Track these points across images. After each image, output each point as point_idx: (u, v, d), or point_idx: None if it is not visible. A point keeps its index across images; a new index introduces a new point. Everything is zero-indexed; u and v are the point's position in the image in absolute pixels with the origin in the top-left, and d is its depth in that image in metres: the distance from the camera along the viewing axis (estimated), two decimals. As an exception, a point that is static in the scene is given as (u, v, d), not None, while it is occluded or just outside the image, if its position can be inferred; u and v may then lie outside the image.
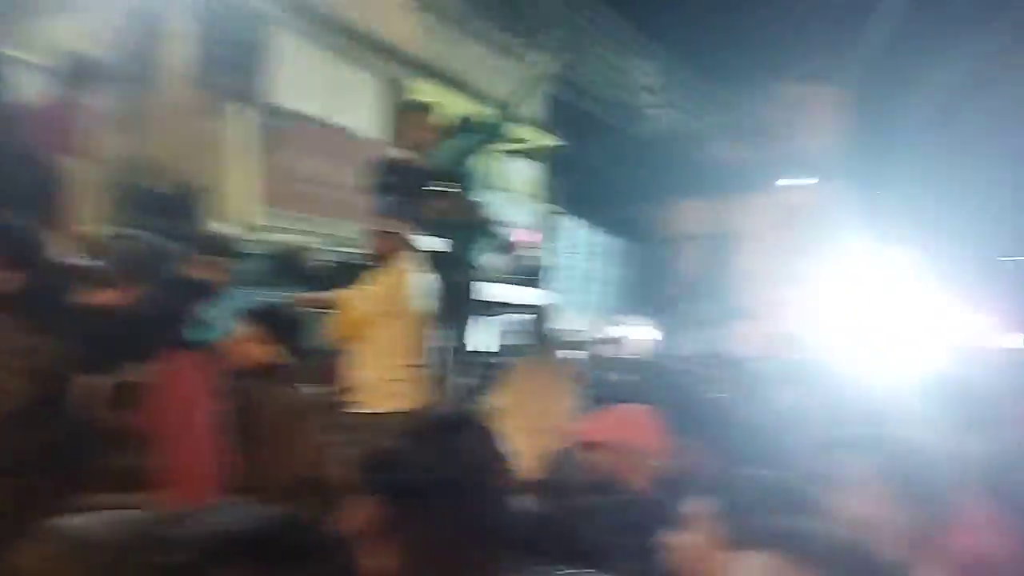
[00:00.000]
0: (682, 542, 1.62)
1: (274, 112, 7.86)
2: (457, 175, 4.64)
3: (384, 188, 4.21)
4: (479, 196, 4.74)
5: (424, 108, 4.62)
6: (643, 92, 14.40)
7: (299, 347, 3.07)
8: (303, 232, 7.87)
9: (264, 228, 7.37)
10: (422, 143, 4.44)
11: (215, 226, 7.02)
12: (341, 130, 9.03)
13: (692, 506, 1.61)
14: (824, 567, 0.98)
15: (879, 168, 24.85)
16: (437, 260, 4.18)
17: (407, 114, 4.54)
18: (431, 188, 4.36)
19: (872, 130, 23.11)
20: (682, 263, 23.76)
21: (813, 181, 22.30)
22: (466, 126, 5.10)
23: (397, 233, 3.74)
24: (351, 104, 9.51)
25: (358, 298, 3.56)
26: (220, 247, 3.65)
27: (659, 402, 2.53)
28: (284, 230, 7.64)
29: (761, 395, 4.05)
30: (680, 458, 2.33)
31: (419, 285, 3.70)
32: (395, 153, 4.55)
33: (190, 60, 7.00)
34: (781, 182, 22.02)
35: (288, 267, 7.48)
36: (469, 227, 4.55)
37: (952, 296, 25.04)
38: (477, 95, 11.51)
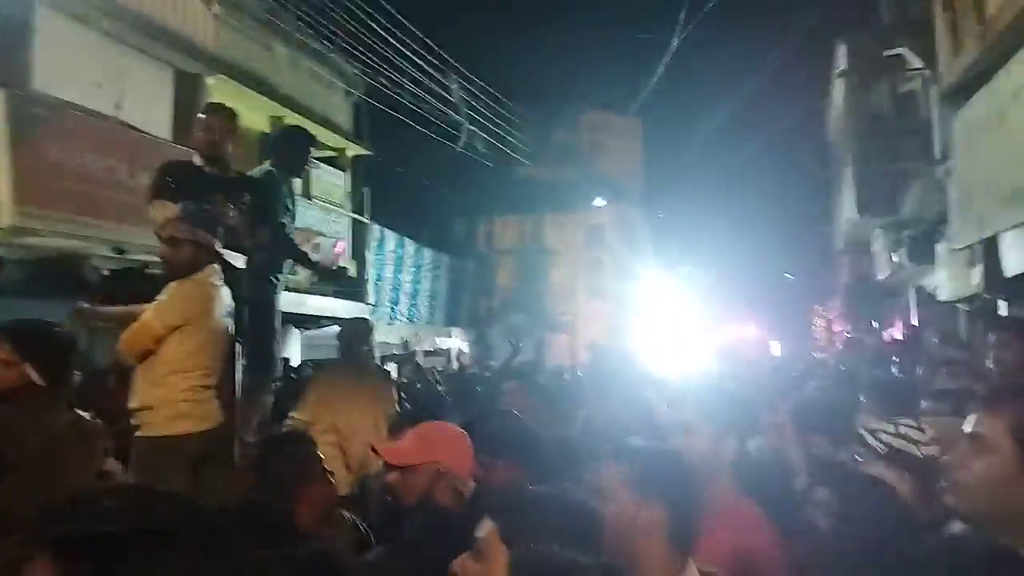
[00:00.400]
0: (464, 568, 1.56)
1: (37, 99, 6.91)
2: (265, 185, 4.35)
3: (184, 193, 3.80)
4: (289, 206, 4.45)
5: (229, 112, 4.20)
6: (452, 108, 14.56)
7: (60, 367, 2.68)
8: (78, 236, 6.95)
9: (21, 230, 6.42)
10: (225, 148, 4.05)
11: None
12: (124, 125, 8.13)
13: (483, 530, 1.55)
14: None
15: (670, 192, 27.12)
16: (240, 272, 3.87)
17: (210, 116, 4.10)
18: (237, 196, 4.02)
19: (661, 157, 25.24)
20: (499, 277, 24.41)
21: (613, 203, 23.79)
22: (276, 134, 4.75)
23: (195, 242, 3.39)
24: (137, 97, 8.64)
25: (151, 313, 3.21)
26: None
27: (467, 419, 2.48)
28: (52, 233, 6.72)
29: (563, 404, 4.12)
30: (488, 478, 2.34)
31: (219, 298, 3.40)
32: (196, 157, 4.14)
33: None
34: (594, 203, 23.28)
35: (59, 274, 6.60)
36: (276, 240, 4.24)
37: (729, 309, 27.88)
38: (282, 98, 11.03)
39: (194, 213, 3.54)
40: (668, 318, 23.19)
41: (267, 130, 10.49)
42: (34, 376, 2.55)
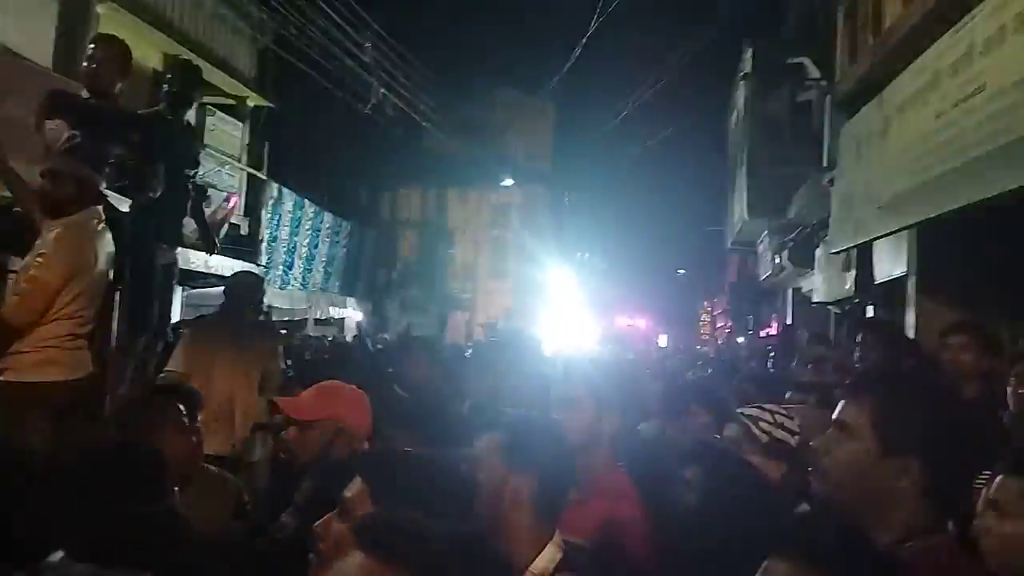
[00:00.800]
0: (327, 527, 1.52)
1: None
2: (157, 124, 4.07)
3: (70, 124, 3.53)
4: (181, 151, 4.21)
5: (120, 44, 3.94)
6: (363, 68, 14.10)
7: None
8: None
9: None
10: (113, 82, 3.81)
11: None
12: (3, 50, 7.40)
13: (351, 489, 1.52)
14: (426, 573, 0.88)
15: (576, 178, 27.55)
16: (123, 216, 3.65)
17: (100, 47, 3.84)
18: (125, 134, 3.76)
19: (570, 143, 25.57)
20: (401, 248, 24.05)
21: (520, 183, 23.91)
22: (171, 71, 4.51)
23: (78, 178, 3.18)
24: (15, 18, 7.86)
25: (42, 270, 3.02)
26: None
27: (358, 383, 2.47)
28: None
29: (454, 379, 4.10)
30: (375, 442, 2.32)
31: (102, 245, 3.23)
32: (83, 91, 3.85)
33: None
34: (502, 182, 23.29)
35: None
36: (171, 187, 3.99)
37: (623, 299, 28.74)
38: (179, 35, 10.34)
39: (79, 146, 3.34)
40: (565, 302, 23.65)
41: (160, 68, 9.81)
42: None
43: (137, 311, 3.80)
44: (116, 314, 3.58)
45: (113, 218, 3.47)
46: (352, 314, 18.28)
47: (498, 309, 23.00)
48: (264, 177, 12.79)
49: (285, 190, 13.90)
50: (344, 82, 13.80)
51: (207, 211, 4.67)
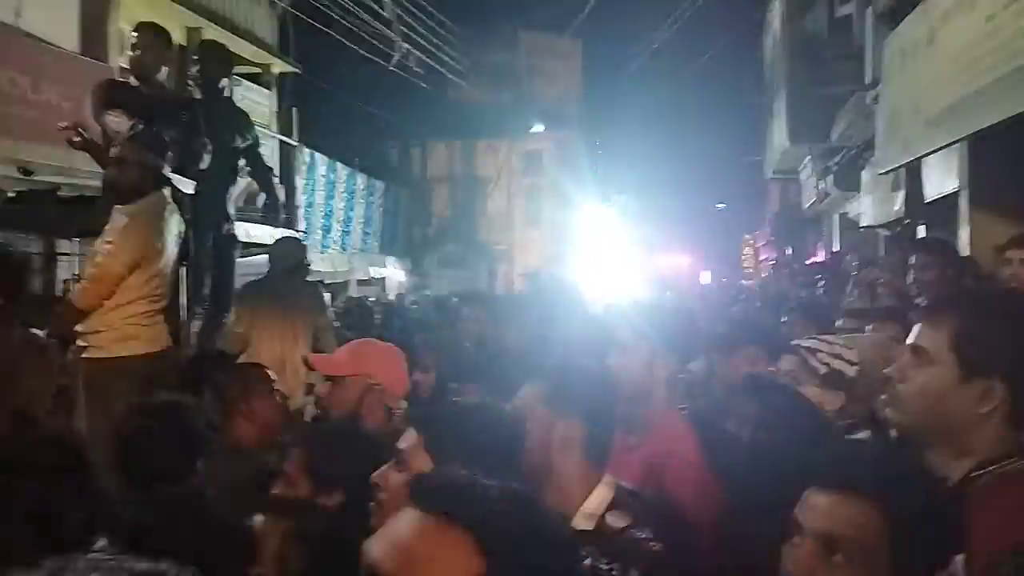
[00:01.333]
0: (386, 478, 1.55)
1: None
2: (211, 106, 4.24)
3: (128, 114, 3.68)
4: (227, 126, 4.34)
5: (161, 31, 4.12)
6: (384, 24, 13.90)
7: (15, 286, 2.99)
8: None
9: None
10: (157, 68, 3.99)
11: None
12: (27, 36, 7.49)
13: (405, 440, 1.54)
14: (480, 531, 0.90)
15: (609, 119, 26.99)
16: (185, 197, 3.80)
17: (142, 35, 4.01)
18: (176, 117, 3.91)
19: (600, 83, 24.94)
20: (435, 204, 24.04)
21: (551, 129, 23.53)
22: (198, 52, 4.60)
23: (144, 164, 3.32)
24: (40, 5, 7.92)
25: (109, 257, 3.19)
26: None
27: (401, 340, 2.52)
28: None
29: (497, 330, 4.12)
30: (418, 393, 2.35)
31: (169, 228, 3.39)
32: (131, 79, 4.02)
33: None
34: (532, 128, 22.94)
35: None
36: (221, 162, 4.16)
37: (663, 238, 28.38)
38: (200, 8, 10.30)
39: (141, 134, 3.49)
40: (604, 247, 23.44)
41: (183, 42, 9.81)
42: None
43: (202, 284, 4.07)
44: (184, 287, 3.75)
45: (177, 198, 3.62)
46: (392, 272, 18.44)
47: (536, 258, 22.92)
48: (295, 143, 12.83)
49: (317, 155, 13.94)
50: (366, 40, 13.66)
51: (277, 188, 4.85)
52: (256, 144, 4.58)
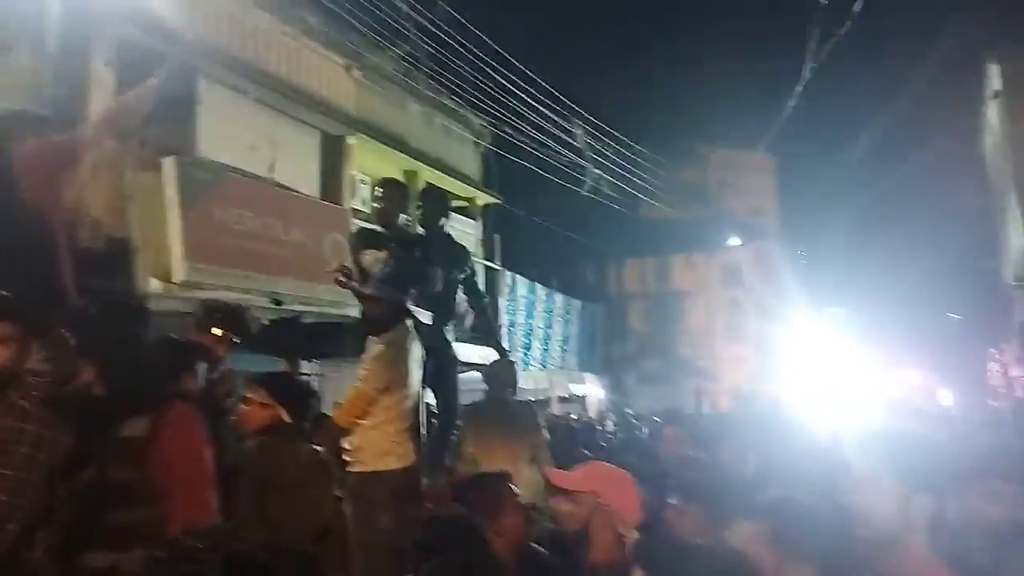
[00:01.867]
0: None
1: (202, 165, 7.60)
2: (436, 242, 4.76)
3: (377, 255, 4.31)
4: (450, 261, 4.81)
5: (401, 184, 4.92)
6: (576, 153, 14.70)
7: (303, 408, 3.38)
8: (239, 288, 7.46)
9: (191, 284, 6.99)
10: (399, 216, 4.63)
11: (153, 283, 6.72)
12: (278, 185, 8.80)
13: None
14: None
15: (810, 229, 25.74)
16: (423, 326, 4.23)
17: (386, 188, 4.76)
18: (414, 254, 4.47)
19: (798, 193, 24.05)
20: (631, 321, 24.00)
21: (748, 241, 22.89)
22: (427, 195, 5.20)
23: (389, 301, 3.80)
24: (288, 159, 9.32)
25: (363, 383, 3.68)
26: (228, 316, 3.97)
27: (627, 461, 2.53)
28: (217, 286, 7.26)
29: (714, 452, 3.95)
30: (678, 522, 2.35)
31: (413, 355, 3.83)
32: (375, 225, 4.68)
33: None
34: (728, 242, 22.55)
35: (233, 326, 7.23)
36: (449, 292, 4.64)
37: (889, 353, 25.74)
38: (415, 152, 11.53)
39: (389, 273, 4.03)
40: (819, 363, 21.75)
41: (401, 180, 10.98)
42: (284, 416, 3.18)
43: (442, 404, 4.47)
44: (423, 407, 4.09)
45: (417, 327, 4.02)
46: (592, 390, 18.40)
47: (742, 376, 21.81)
48: (498, 267, 13.59)
49: (518, 277, 14.64)
50: (560, 169, 14.46)
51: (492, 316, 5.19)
52: (473, 274, 4.95)
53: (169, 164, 7.06)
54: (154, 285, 6.80)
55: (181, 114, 7.59)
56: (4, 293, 2.49)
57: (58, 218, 3.50)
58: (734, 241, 22.76)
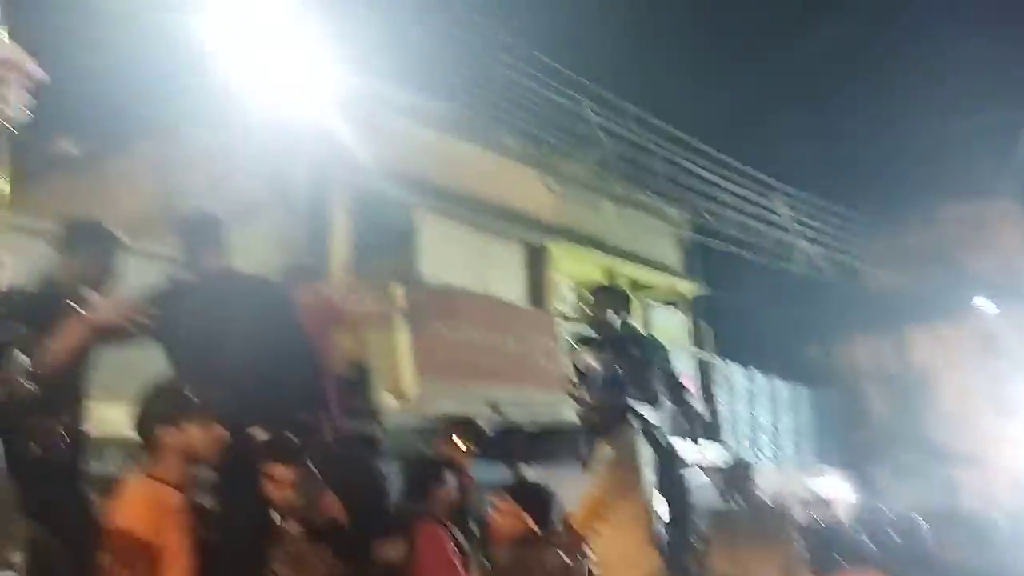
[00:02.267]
0: None
1: (426, 288, 8.34)
2: (647, 340, 4.83)
3: (594, 361, 4.36)
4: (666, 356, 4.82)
5: (619, 292, 5.07)
6: (782, 230, 14.06)
7: (547, 516, 3.41)
8: (463, 399, 7.90)
9: (423, 399, 7.52)
10: (613, 320, 4.68)
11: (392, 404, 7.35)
12: (492, 298, 9.38)
13: None
14: None
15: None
16: (648, 427, 4.25)
17: (598, 295, 4.91)
18: (629, 353, 4.49)
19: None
20: (870, 405, 21.68)
21: (1005, 302, 20.11)
22: (602, 294, 5.30)
23: (612, 407, 3.93)
24: (497, 272, 9.95)
25: (598, 492, 3.81)
26: (470, 428, 4.18)
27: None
28: (446, 399, 7.74)
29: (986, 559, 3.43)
30: None
31: (638, 458, 3.90)
32: (589, 327, 4.78)
33: (350, 250, 7.68)
34: (975, 303, 20.01)
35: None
36: (668, 388, 4.62)
37: None
38: (613, 250, 11.73)
39: (605, 378, 4.12)
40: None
41: (603, 281, 11.18)
42: (532, 525, 3.22)
43: (675, 504, 4.26)
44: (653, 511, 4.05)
45: (645, 429, 4.06)
46: (835, 485, 16.68)
47: (1017, 459, 18.66)
48: (711, 359, 13.13)
49: (733, 365, 14.00)
50: (766, 249, 13.90)
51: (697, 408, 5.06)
52: (671, 370, 4.80)
53: (397, 290, 7.85)
54: (390, 402, 7.41)
55: (405, 245, 8.46)
56: (291, 436, 2.82)
57: (328, 357, 3.86)
58: (985, 304, 20.09)
